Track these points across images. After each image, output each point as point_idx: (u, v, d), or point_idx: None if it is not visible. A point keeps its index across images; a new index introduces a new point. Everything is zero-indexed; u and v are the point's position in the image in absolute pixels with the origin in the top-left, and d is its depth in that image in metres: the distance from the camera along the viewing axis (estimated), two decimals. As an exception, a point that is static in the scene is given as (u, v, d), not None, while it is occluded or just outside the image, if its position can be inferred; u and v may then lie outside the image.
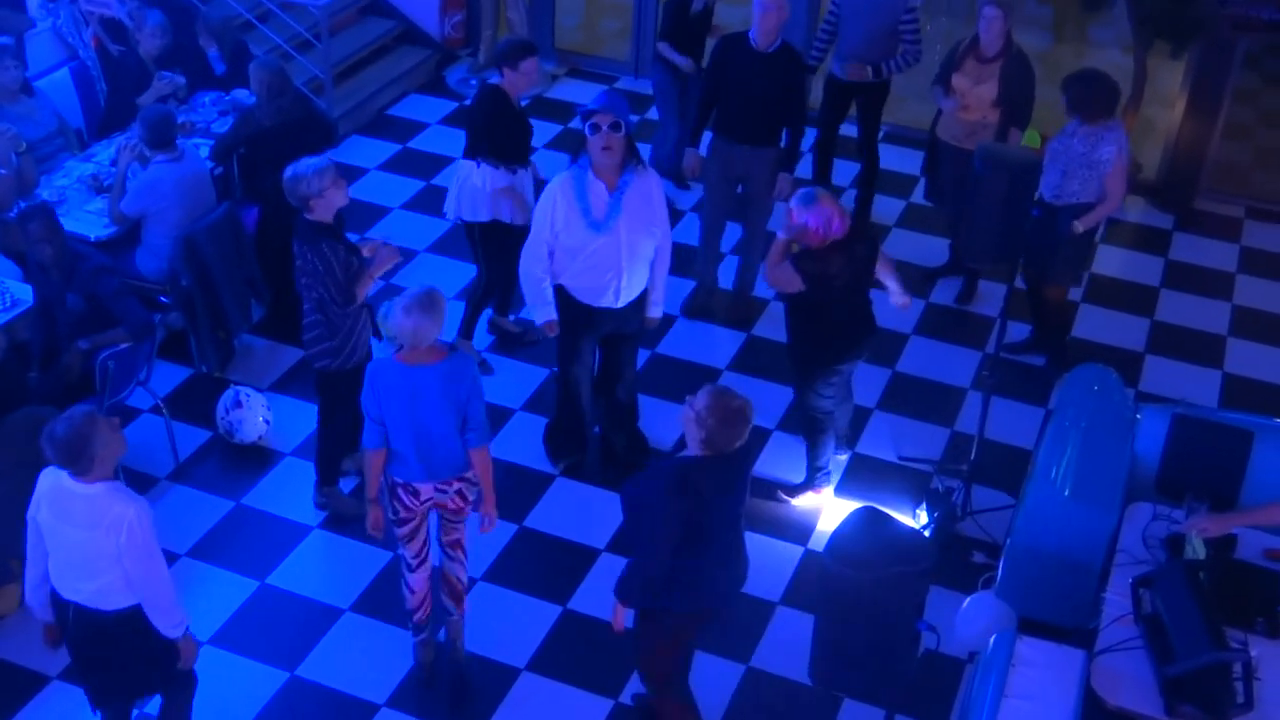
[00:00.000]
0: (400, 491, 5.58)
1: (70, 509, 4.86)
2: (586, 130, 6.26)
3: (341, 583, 6.52)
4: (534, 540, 6.78)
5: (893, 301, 6.62)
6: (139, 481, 6.96)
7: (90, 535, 4.82)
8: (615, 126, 6.21)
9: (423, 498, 5.60)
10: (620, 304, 6.55)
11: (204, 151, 8.02)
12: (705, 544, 5.00)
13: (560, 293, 6.58)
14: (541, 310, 6.58)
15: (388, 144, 10.24)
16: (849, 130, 9.18)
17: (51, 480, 4.90)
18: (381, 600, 6.41)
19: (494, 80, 7.25)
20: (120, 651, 5.06)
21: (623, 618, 5.36)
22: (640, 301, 6.67)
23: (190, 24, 8.96)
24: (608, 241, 6.37)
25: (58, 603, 5.04)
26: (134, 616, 4.99)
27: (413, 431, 5.40)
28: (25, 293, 6.96)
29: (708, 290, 8.39)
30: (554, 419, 7.13)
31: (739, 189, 8.08)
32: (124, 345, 6.63)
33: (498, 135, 7.21)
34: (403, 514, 5.64)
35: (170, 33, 8.65)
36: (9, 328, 6.71)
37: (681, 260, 8.43)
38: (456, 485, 5.60)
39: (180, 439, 7.27)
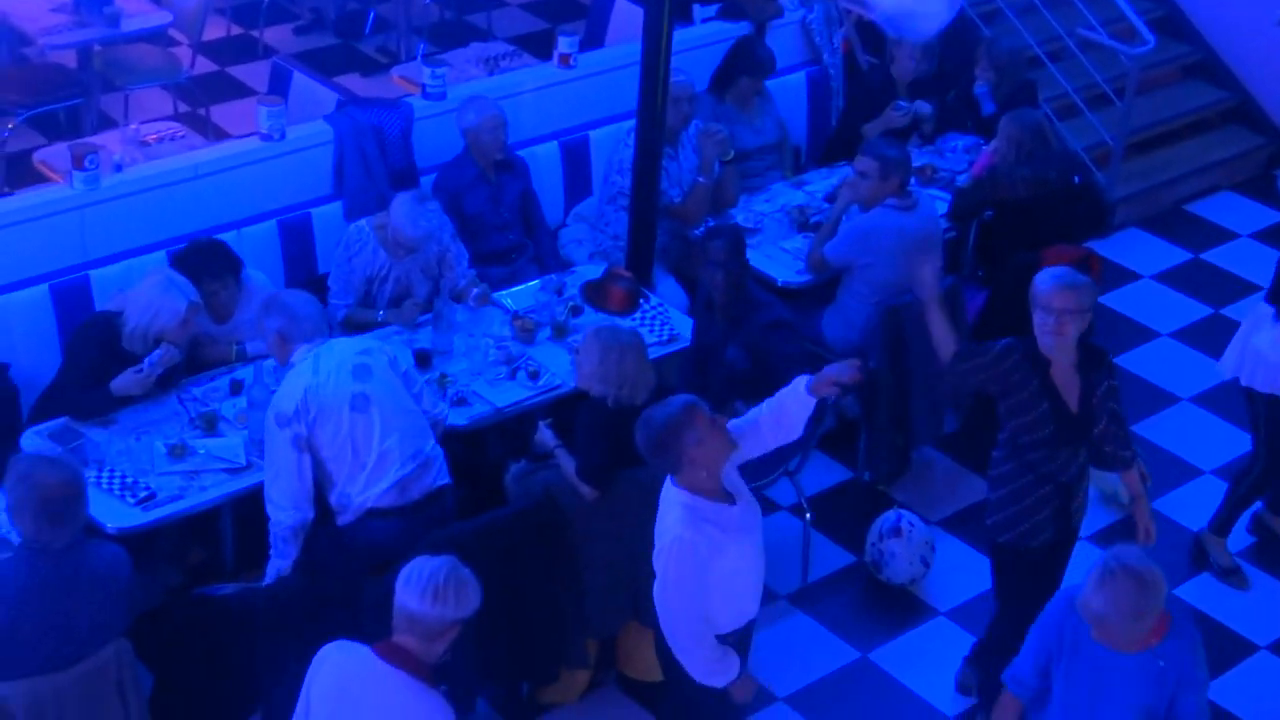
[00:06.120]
0: None
1: (663, 498, 5.37)
2: None
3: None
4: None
5: None
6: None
7: (657, 535, 5.31)
8: None
9: None
10: None
11: (941, 208, 8.24)
12: None
13: None
14: None
15: (1175, 248, 10.07)
16: None
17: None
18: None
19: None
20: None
21: None
22: None
23: (966, 46, 9.23)
24: None
25: None
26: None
27: None
28: (687, 328, 7.44)
29: None
30: None
31: None
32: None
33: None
34: None
35: (936, 58, 8.95)
36: (660, 367, 7.16)
37: None
38: None
39: (814, 554, 7.48)
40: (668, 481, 5.34)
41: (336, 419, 6.07)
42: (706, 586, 5.22)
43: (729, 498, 5.33)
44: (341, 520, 6.24)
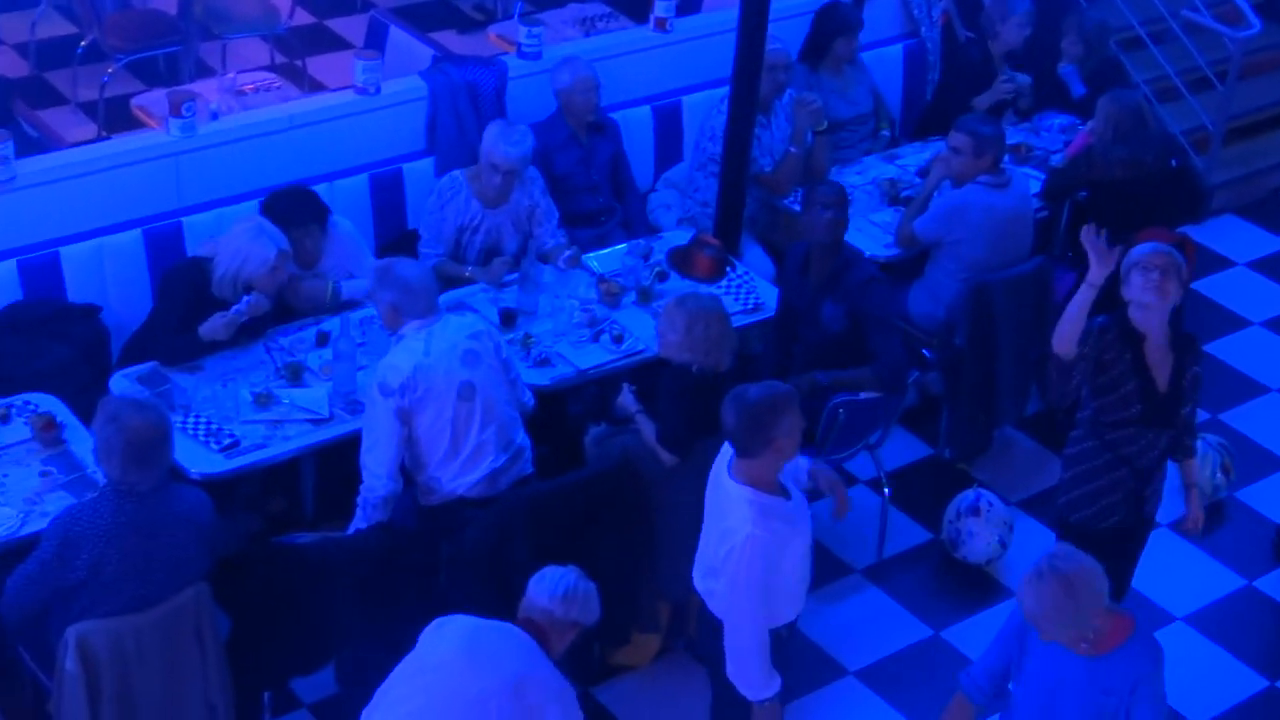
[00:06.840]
0: None
1: (716, 493, 5.39)
2: None
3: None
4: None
5: None
6: (831, 569, 7.24)
7: (720, 532, 5.30)
8: None
9: None
10: None
11: (1034, 187, 8.19)
12: None
13: None
14: None
15: (1271, 236, 9.98)
16: None
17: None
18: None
19: None
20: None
21: None
22: None
23: (1056, 22, 9.15)
24: None
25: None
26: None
27: None
28: (772, 298, 7.44)
29: None
30: None
31: None
32: (866, 395, 6.89)
33: None
34: None
35: (1035, 27, 8.89)
36: (744, 336, 7.17)
37: None
38: None
39: (891, 529, 7.48)
40: (727, 480, 5.30)
41: (441, 403, 6.08)
42: (773, 584, 5.24)
43: (785, 492, 5.34)
44: (427, 501, 6.29)
